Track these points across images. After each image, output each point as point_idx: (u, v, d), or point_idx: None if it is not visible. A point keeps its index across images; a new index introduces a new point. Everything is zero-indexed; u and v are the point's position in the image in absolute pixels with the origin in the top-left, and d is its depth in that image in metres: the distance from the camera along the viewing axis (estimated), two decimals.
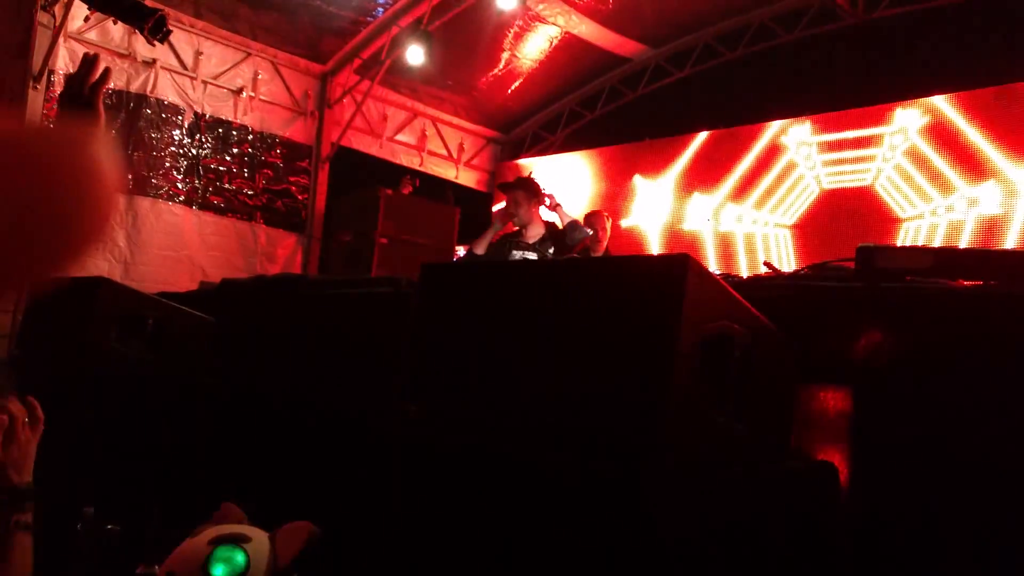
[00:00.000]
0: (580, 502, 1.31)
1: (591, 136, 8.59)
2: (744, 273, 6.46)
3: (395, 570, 1.61)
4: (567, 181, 8.13)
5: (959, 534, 1.60)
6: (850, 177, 6.47)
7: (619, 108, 8.44)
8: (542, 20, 7.17)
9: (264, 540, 1.41)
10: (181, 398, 2.53)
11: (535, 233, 4.72)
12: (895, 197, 6.19)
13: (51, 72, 5.92)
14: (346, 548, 1.79)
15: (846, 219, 6.34)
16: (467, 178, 8.99)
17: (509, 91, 8.38)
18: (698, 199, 7.37)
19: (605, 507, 1.28)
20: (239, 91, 7.15)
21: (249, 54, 7.19)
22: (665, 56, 7.93)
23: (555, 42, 7.54)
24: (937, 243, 5.81)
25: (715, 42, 7.58)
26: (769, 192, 6.91)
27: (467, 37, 7.26)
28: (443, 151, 8.74)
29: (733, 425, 1.39)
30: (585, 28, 7.30)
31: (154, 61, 6.59)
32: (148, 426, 2.40)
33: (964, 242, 5.73)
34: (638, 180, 7.83)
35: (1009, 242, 5.53)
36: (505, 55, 7.70)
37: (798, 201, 6.75)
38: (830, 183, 6.58)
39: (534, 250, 4.66)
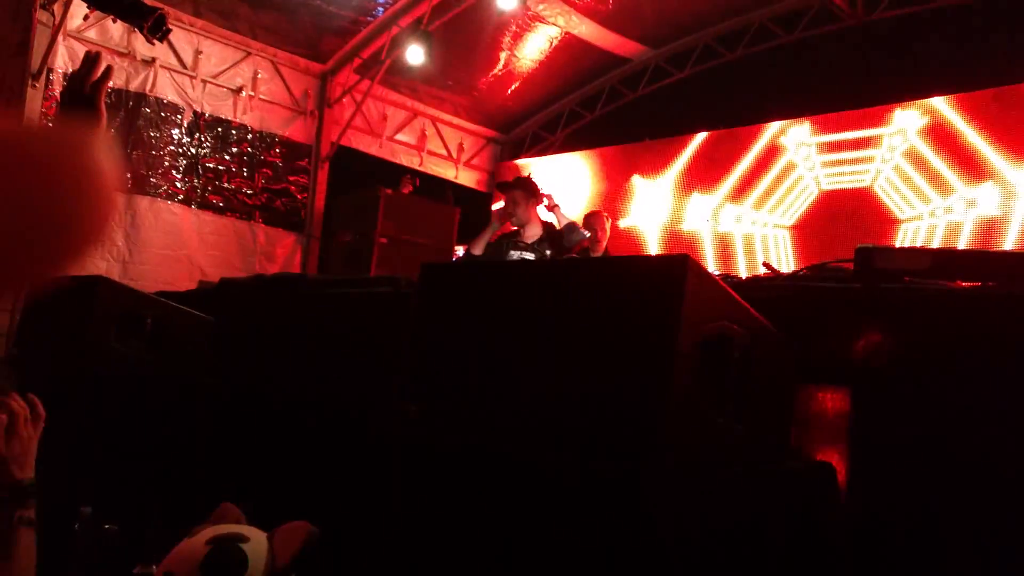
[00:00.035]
0: (580, 502, 1.31)
1: (591, 136, 8.59)
2: (743, 274, 6.47)
3: (395, 570, 1.61)
4: (567, 181, 8.13)
5: (958, 534, 1.61)
6: (849, 178, 6.47)
7: (619, 108, 8.45)
8: (542, 20, 7.18)
9: (262, 540, 1.40)
10: (180, 398, 2.52)
11: (533, 233, 4.72)
12: (894, 198, 6.19)
13: (50, 71, 5.92)
14: (345, 548, 1.79)
15: (845, 220, 6.35)
16: (467, 178, 8.99)
17: (509, 91, 8.38)
18: (697, 199, 7.37)
19: (605, 507, 1.28)
20: (239, 90, 7.14)
21: (249, 53, 7.18)
22: (665, 56, 7.93)
23: (555, 42, 7.54)
24: (936, 244, 5.82)
25: (715, 43, 7.59)
26: (768, 193, 6.92)
27: (467, 37, 7.27)
28: (443, 151, 8.74)
29: (733, 425, 1.39)
30: (585, 28, 7.30)
31: (153, 60, 6.59)
32: (147, 426, 2.39)
33: (963, 243, 5.74)
34: (637, 180, 7.83)
35: (1007, 243, 5.53)
36: (505, 55, 7.70)
37: (797, 202, 6.75)
38: (829, 184, 6.58)
39: (532, 250, 4.66)
